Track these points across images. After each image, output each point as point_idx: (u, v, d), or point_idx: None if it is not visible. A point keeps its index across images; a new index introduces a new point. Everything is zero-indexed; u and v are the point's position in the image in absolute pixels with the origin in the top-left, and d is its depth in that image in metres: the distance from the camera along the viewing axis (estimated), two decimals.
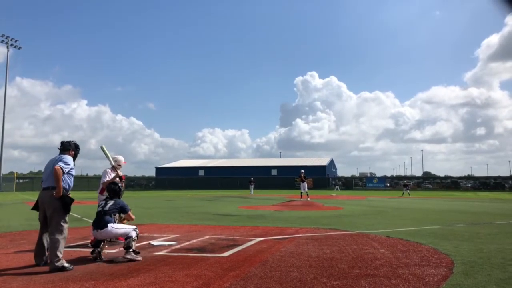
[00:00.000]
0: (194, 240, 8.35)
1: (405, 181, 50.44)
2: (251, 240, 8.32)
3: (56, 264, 5.61)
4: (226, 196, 33.94)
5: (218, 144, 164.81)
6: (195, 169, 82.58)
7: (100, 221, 6.46)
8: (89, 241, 7.68)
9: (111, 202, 6.80)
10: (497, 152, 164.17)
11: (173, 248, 7.47)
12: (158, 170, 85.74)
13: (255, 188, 42.93)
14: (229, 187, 63.08)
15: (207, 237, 8.87)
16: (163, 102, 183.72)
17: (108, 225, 6.40)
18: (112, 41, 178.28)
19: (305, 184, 25.78)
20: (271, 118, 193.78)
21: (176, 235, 9.11)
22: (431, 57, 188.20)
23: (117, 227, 6.48)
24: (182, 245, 7.80)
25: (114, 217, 6.70)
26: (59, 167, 5.91)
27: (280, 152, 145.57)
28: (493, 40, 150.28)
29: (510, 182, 64.87)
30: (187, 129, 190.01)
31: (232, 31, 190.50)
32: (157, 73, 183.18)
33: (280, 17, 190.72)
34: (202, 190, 57.85)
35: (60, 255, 5.71)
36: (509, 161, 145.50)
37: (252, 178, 43.34)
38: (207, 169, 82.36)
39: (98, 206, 6.87)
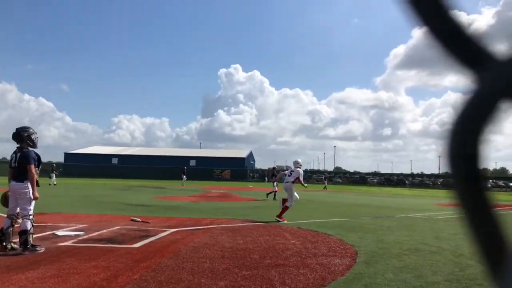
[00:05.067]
0: (104, 231, 7.99)
1: (325, 174, 53.09)
2: (165, 231, 8.16)
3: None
4: (140, 186, 32.93)
5: (135, 131, 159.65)
6: (109, 156, 78.86)
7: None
8: None
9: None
10: (400, 151, 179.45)
11: (80, 238, 7.09)
12: (68, 156, 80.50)
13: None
14: (144, 177, 61.23)
15: (118, 227, 8.53)
16: (78, 84, 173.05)
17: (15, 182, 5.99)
18: (23, 12, 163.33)
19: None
20: (193, 108, 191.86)
21: (84, 225, 8.64)
22: (347, 60, 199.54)
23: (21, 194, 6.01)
24: (90, 235, 7.41)
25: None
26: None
27: (200, 143, 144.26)
28: (400, 50, 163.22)
29: (410, 179, 71.04)
30: (102, 114, 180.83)
31: (157, 14, 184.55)
32: (73, 53, 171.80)
33: (208, 7, 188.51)
34: (115, 179, 55.51)
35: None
36: (411, 160, 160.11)
37: (185, 168, 41.91)
38: (121, 157, 79.07)
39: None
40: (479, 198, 0.31)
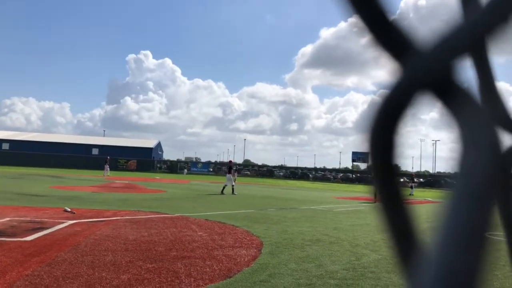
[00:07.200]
0: None
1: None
2: (62, 222, 7.62)
3: None
4: (35, 174, 30.38)
5: (31, 115, 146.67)
6: None
7: None
8: None
9: None
10: (305, 146, 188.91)
11: None
12: None
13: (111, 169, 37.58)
14: (41, 165, 56.61)
15: (8, 219, 7.78)
16: None
17: None
18: None
19: (231, 176, 19.87)
20: (97, 93, 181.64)
21: None
22: (259, 56, 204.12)
23: None
24: None
25: None
26: None
27: (104, 131, 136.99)
28: (308, 49, 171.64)
29: (313, 173, 74.85)
30: None
31: None
32: None
33: None
34: (6, 166, 50.56)
35: None
36: (315, 154, 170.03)
37: (108, 158, 38.88)
38: (13, 142, 72.21)
39: None
40: (393, 193, 0.31)
